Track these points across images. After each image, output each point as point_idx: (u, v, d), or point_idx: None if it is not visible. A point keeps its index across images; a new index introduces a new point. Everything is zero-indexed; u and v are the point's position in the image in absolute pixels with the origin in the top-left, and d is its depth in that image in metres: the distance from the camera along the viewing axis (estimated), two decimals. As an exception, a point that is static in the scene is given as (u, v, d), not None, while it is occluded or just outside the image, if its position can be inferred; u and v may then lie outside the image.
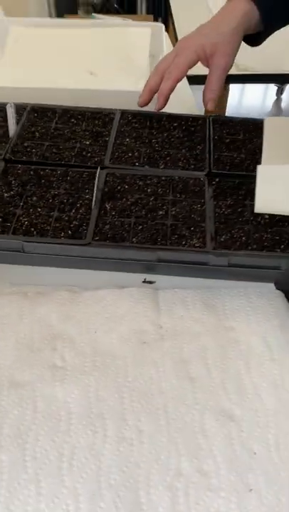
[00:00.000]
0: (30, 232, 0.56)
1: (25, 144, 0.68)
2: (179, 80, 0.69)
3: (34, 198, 0.60)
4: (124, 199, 0.61)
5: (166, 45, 0.98)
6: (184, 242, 0.56)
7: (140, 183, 0.63)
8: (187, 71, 0.69)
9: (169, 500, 0.42)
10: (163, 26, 0.99)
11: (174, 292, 0.58)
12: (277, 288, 0.59)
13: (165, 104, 0.72)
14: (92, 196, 0.60)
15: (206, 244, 0.56)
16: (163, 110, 0.74)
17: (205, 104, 0.70)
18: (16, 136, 0.70)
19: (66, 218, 0.58)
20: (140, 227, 0.58)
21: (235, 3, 0.69)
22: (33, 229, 0.57)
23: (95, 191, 0.59)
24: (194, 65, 0.69)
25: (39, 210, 0.59)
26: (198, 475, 0.44)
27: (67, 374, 0.50)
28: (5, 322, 0.54)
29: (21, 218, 0.58)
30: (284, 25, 0.73)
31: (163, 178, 0.64)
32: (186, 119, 0.75)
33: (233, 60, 0.70)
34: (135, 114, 0.75)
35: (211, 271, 0.56)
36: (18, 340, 0.53)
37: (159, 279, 0.59)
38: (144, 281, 0.59)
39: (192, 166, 0.66)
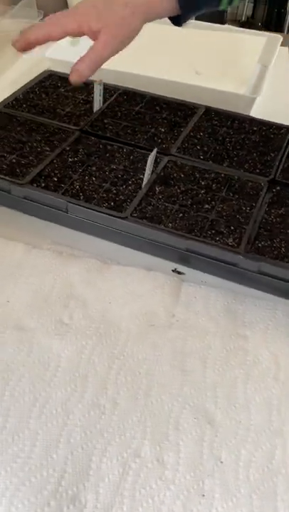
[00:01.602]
0: (77, 196, 0.59)
1: (105, 121, 0.72)
2: (49, 36, 0.59)
3: (93, 168, 0.63)
4: (176, 186, 0.61)
5: (280, 57, 0.96)
6: (218, 238, 0.54)
7: (197, 175, 0.63)
8: (64, 36, 0.59)
9: (118, 475, 0.41)
10: (281, 38, 0.97)
11: (198, 287, 0.57)
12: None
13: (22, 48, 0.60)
14: (149, 174, 0.61)
15: (240, 245, 0.54)
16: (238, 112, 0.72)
17: (70, 73, 0.60)
18: (100, 112, 0.73)
19: (114, 191, 0.60)
20: (181, 214, 0.57)
21: None
22: (81, 194, 0.59)
23: (149, 172, 0.60)
24: (76, 34, 0.59)
25: (93, 179, 0.61)
26: (156, 463, 0.42)
27: (69, 331, 0.52)
28: (33, 272, 0.57)
29: (75, 182, 0.61)
30: (206, 9, 0.64)
31: (222, 175, 0.63)
32: (268, 125, 0.73)
33: (122, 45, 0.60)
34: (219, 113, 0.75)
35: (240, 275, 0.54)
36: (37, 290, 0.55)
37: (189, 272, 0.58)
38: (174, 271, 0.58)
39: (257, 171, 0.64)
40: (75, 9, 0.60)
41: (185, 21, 0.64)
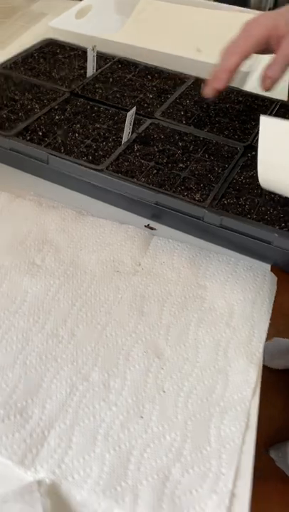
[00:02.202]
0: (58, 149, 0.62)
1: (96, 85, 0.75)
2: (246, 55, 0.62)
3: (78, 125, 0.66)
4: (155, 146, 0.64)
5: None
6: (186, 193, 0.57)
7: (177, 137, 0.66)
8: (256, 46, 0.62)
9: (65, 395, 0.45)
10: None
11: (167, 241, 0.59)
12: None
13: (228, 82, 0.63)
14: (130, 133, 0.64)
15: (206, 200, 0.56)
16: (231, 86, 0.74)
17: (261, 81, 0.63)
18: (92, 77, 0.76)
19: (95, 147, 0.63)
20: (155, 171, 0.60)
21: None
22: (63, 147, 0.62)
23: (128, 131, 0.63)
24: (264, 42, 0.62)
25: (76, 135, 0.65)
26: (102, 387, 0.45)
27: (39, 272, 0.55)
28: (13, 218, 0.61)
29: (57, 137, 0.64)
30: None
31: (201, 138, 0.66)
32: (254, 97, 0.74)
33: None
34: (208, 84, 0.77)
35: (205, 229, 0.57)
36: (15, 234, 0.59)
37: (161, 228, 0.61)
38: (146, 226, 0.61)
39: (235, 137, 0.67)
40: (254, 20, 0.64)
41: None
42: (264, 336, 0.51)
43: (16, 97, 0.71)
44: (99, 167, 0.59)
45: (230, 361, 0.48)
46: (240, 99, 0.74)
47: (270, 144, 0.51)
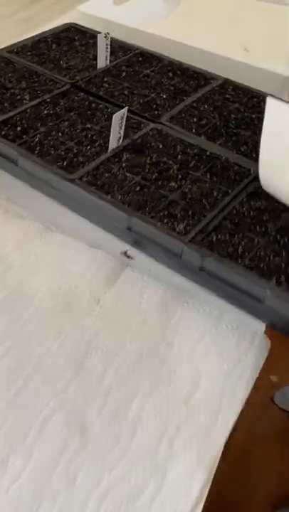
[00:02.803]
0: (33, 150, 0.52)
1: (105, 79, 0.64)
2: None
3: (65, 124, 0.56)
4: (148, 157, 0.52)
5: None
6: (166, 221, 0.45)
7: (179, 148, 0.53)
8: None
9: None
10: None
11: (140, 276, 0.48)
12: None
13: None
14: (118, 141, 0.53)
15: (188, 233, 0.44)
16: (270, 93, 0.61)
17: None
18: (104, 69, 0.66)
19: (75, 151, 0.52)
20: (138, 188, 0.48)
21: None
22: (38, 148, 0.53)
23: (117, 136, 0.52)
24: None
25: (59, 135, 0.54)
26: None
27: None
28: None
29: (38, 135, 0.54)
30: None
31: (208, 153, 0.53)
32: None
33: None
34: (237, 87, 0.64)
35: (184, 267, 0.44)
36: None
37: (139, 258, 0.49)
38: (123, 254, 0.50)
39: (253, 155, 0.53)
40: None
41: None
42: (229, 427, 0.38)
43: (9, 85, 0.62)
44: (70, 176, 0.49)
45: (174, 457, 0.36)
46: (273, 108, 0.60)
47: (275, 130, 0.40)
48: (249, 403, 0.39)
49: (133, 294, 0.46)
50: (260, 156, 0.43)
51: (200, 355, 0.42)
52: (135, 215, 0.45)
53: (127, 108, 0.50)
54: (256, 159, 0.53)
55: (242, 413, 0.39)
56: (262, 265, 0.42)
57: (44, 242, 0.51)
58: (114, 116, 0.49)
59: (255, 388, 0.41)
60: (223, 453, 0.36)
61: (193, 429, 0.37)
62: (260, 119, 0.58)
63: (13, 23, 0.91)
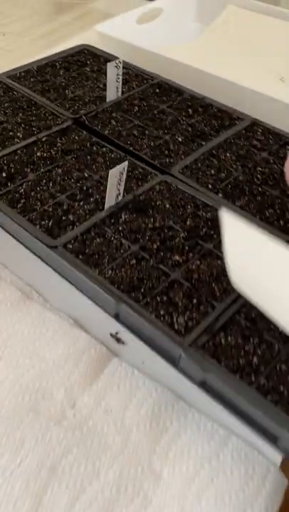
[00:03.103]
0: (16, 203, 0.44)
1: (114, 114, 0.56)
2: None
3: (59, 171, 0.47)
4: (151, 219, 0.43)
5: None
6: (163, 311, 0.36)
7: (189, 209, 0.44)
8: None
9: None
10: None
11: (130, 371, 0.39)
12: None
13: None
14: (116, 198, 0.44)
15: (189, 333, 0.34)
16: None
17: None
18: (113, 102, 0.57)
19: (65, 207, 0.44)
20: (133, 261, 0.39)
21: None
22: (23, 201, 0.44)
23: (114, 193, 0.43)
24: None
25: (50, 185, 0.46)
26: None
27: None
28: None
29: (24, 184, 0.46)
30: None
31: (225, 217, 0.44)
32: None
33: None
34: (268, 131, 0.54)
35: (180, 375, 0.35)
36: None
37: (132, 343, 0.40)
38: (113, 336, 0.41)
39: (280, 222, 0.44)
40: None
41: None
42: None
43: (2, 118, 0.54)
44: (53, 242, 0.40)
45: None
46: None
47: (235, 245, 0.31)
48: None
49: (118, 398, 0.37)
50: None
51: (194, 498, 0.32)
52: (124, 300, 0.36)
53: (126, 163, 0.41)
54: (285, 230, 0.43)
55: None
56: (283, 389, 0.32)
57: (19, 314, 0.42)
58: (110, 172, 0.40)
59: None
60: None
61: None
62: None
63: (28, 41, 0.84)
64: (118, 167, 0.41)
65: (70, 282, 0.40)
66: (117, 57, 0.65)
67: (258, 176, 0.49)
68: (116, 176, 0.41)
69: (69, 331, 0.41)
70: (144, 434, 0.35)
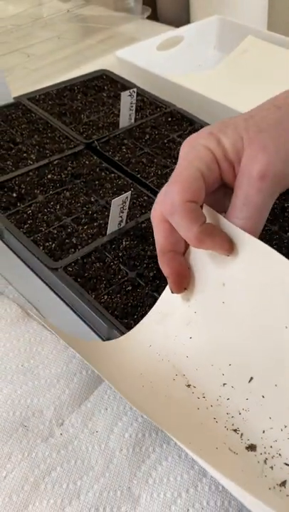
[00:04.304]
0: (23, 223, 0.46)
1: (125, 141, 0.58)
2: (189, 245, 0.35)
3: (67, 194, 0.50)
4: (151, 247, 0.45)
5: None
6: (154, 340, 0.37)
7: (189, 240, 0.46)
8: (198, 204, 0.32)
9: None
10: None
11: (117, 393, 0.40)
12: None
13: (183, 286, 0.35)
14: (119, 225, 0.46)
15: (178, 362, 0.36)
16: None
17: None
18: (125, 129, 0.59)
19: (70, 230, 0.46)
20: (130, 287, 0.41)
21: None
22: (30, 222, 0.46)
23: (116, 221, 0.44)
24: (213, 180, 0.33)
25: (58, 207, 0.48)
26: None
27: None
28: None
29: (34, 205, 0.48)
30: None
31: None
32: None
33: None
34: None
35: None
36: None
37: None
38: (107, 357, 0.42)
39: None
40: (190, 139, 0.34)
41: None
42: None
43: (18, 139, 0.57)
44: (54, 264, 0.42)
45: None
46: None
47: None
48: None
49: (104, 420, 0.38)
50: None
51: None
52: (117, 327, 0.38)
53: (129, 192, 0.43)
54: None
55: None
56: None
57: (18, 332, 0.44)
58: (113, 201, 0.42)
59: None
60: None
61: None
62: None
63: (50, 62, 0.87)
64: (121, 196, 0.42)
65: (67, 304, 0.42)
66: (133, 84, 0.68)
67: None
68: (119, 205, 0.43)
69: (63, 351, 0.42)
70: (127, 457, 0.36)
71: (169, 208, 0.32)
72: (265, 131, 0.32)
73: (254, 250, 0.32)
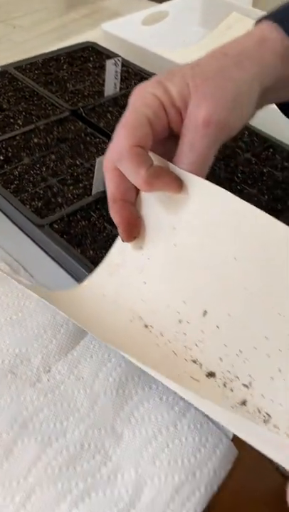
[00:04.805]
0: (9, 183, 0.47)
1: (110, 109, 0.59)
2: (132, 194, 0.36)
3: (53, 157, 0.51)
4: (135, 207, 0.46)
5: None
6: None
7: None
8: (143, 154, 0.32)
9: None
10: None
11: (102, 345, 0.42)
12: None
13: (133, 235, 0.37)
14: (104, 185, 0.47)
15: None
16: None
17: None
18: (110, 98, 0.61)
19: (55, 190, 0.47)
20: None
21: (264, 33, 0.38)
22: (17, 182, 0.48)
23: (99, 179, 0.46)
24: (161, 128, 0.33)
25: (44, 169, 0.49)
26: None
27: None
28: None
29: (20, 167, 0.49)
30: None
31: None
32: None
33: (238, 119, 0.34)
34: (255, 134, 0.57)
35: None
36: None
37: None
38: (92, 312, 0.44)
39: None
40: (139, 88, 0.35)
41: None
42: None
43: (5, 106, 0.57)
44: (40, 221, 0.44)
45: None
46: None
47: None
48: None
49: (89, 367, 0.40)
50: None
51: (150, 458, 0.36)
52: (102, 278, 0.39)
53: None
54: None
55: None
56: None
57: (6, 289, 0.46)
58: (97, 160, 0.43)
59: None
60: None
61: None
62: (271, 175, 0.52)
63: (37, 35, 0.88)
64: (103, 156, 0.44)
65: (53, 259, 0.44)
66: (118, 55, 0.69)
67: (239, 174, 0.52)
68: (102, 163, 0.44)
69: (47, 307, 0.44)
70: (111, 399, 0.38)
71: (117, 154, 0.33)
72: (211, 79, 0.33)
73: (202, 190, 0.33)
